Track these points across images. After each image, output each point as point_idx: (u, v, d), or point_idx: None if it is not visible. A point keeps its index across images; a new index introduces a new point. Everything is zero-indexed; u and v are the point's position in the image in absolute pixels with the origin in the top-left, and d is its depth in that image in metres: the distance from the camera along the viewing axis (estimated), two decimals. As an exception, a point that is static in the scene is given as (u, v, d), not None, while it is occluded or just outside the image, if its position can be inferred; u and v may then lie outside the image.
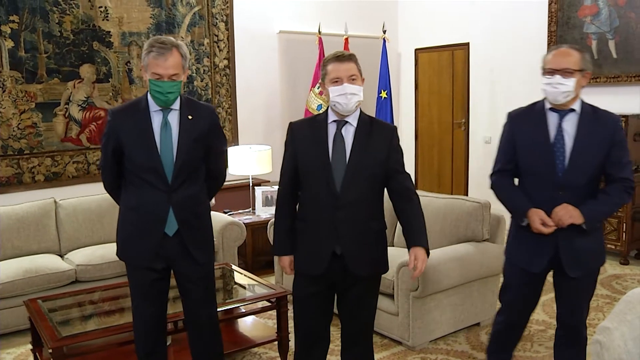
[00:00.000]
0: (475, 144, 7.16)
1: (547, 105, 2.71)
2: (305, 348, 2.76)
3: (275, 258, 2.66)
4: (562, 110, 2.67)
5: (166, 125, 2.67)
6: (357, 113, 2.63)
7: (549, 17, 6.20)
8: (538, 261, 2.74)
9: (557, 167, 2.64)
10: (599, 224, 2.81)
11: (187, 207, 2.73)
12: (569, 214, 2.60)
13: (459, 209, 4.08)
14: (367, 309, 2.73)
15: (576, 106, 2.67)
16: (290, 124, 2.73)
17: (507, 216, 4.20)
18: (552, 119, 2.69)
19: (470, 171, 7.26)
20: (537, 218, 2.65)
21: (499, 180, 2.88)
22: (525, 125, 2.76)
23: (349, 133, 2.59)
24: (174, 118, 2.69)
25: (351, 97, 2.53)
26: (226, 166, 3.01)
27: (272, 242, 2.80)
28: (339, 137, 2.58)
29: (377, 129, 2.63)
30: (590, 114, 2.67)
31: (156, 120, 2.68)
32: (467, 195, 7.10)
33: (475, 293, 3.96)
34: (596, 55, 5.81)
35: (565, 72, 2.59)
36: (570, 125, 2.66)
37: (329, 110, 2.64)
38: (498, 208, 4.12)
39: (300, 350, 2.77)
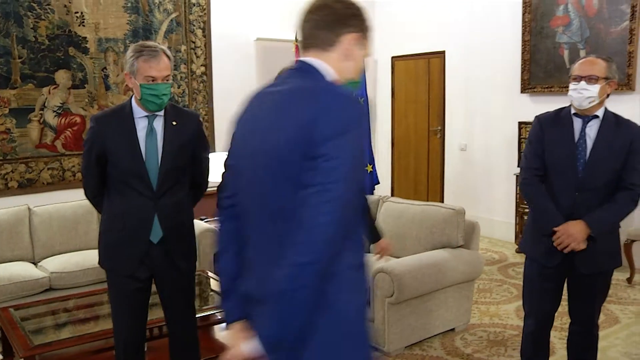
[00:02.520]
0: (451, 151, 7.24)
1: (572, 111, 2.83)
2: None
3: None
4: (585, 116, 2.79)
5: (152, 131, 2.67)
6: None
7: (522, 26, 6.31)
8: (554, 255, 2.82)
9: (578, 169, 2.76)
10: (613, 228, 2.88)
11: (172, 214, 2.73)
12: (571, 237, 2.70)
13: (434, 216, 4.13)
14: None
15: (599, 113, 2.79)
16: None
17: (481, 223, 4.28)
18: (577, 123, 2.81)
19: (446, 178, 7.34)
20: (567, 240, 2.73)
21: (538, 186, 2.89)
22: (553, 126, 2.88)
23: None
24: (159, 124, 2.69)
25: None
26: (209, 174, 3.02)
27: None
28: None
29: None
30: (612, 121, 2.79)
31: (141, 126, 2.67)
32: (442, 202, 7.17)
33: (450, 299, 4.01)
34: (568, 64, 5.92)
35: (590, 79, 2.71)
36: (592, 130, 2.78)
37: None
38: (473, 214, 4.18)
39: None
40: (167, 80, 2.63)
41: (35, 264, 4.58)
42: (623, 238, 5.31)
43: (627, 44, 5.49)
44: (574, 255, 2.76)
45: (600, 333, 4.03)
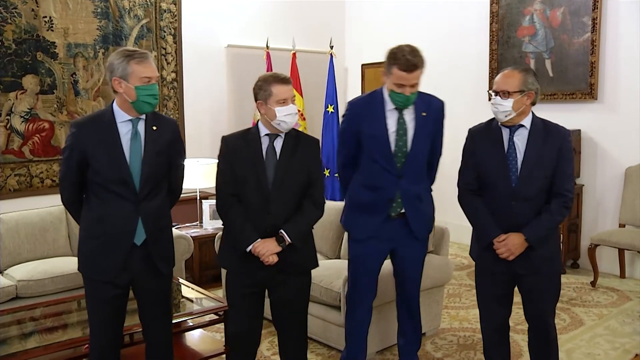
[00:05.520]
0: (420, 158, 7.31)
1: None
2: (235, 347, 2.98)
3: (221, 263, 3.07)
4: (512, 126, 2.85)
5: (136, 134, 2.67)
6: None
7: (490, 36, 6.44)
8: (499, 261, 2.89)
9: (511, 179, 2.81)
10: (550, 236, 2.95)
11: (154, 218, 2.73)
12: (509, 251, 2.81)
13: (404, 222, 4.15)
14: (301, 300, 2.96)
15: (526, 122, 2.85)
16: (224, 137, 2.94)
17: (450, 228, 4.35)
18: (505, 134, 2.88)
19: (416, 185, 7.40)
20: (505, 252, 2.84)
21: (471, 200, 3.00)
22: (484, 140, 2.95)
23: (279, 146, 2.86)
24: (141, 128, 2.70)
25: (295, 116, 2.85)
26: (183, 180, 3.04)
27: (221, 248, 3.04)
28: (270, 149, 2.83)
29: (302, 143, 2.91)
30: (540, 129, 2.85)
31: (124, 130, 2.67)
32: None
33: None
34: (534, 73, 6.08)
35: (504, 94, 2.79)
36: (520, 139, 2.84)
37: (260, 124, 2.90)
38: (442, 220, 4.24)
39: (232, 348, 3.00)
40: (157, 81, 2.69)
41: (1, 272, 4.49)
42: (587, 243, 5.44)
43: (589, 55, 5.65)
44: (514, 260, 2.86)
45: (565, 335, 4.14)
